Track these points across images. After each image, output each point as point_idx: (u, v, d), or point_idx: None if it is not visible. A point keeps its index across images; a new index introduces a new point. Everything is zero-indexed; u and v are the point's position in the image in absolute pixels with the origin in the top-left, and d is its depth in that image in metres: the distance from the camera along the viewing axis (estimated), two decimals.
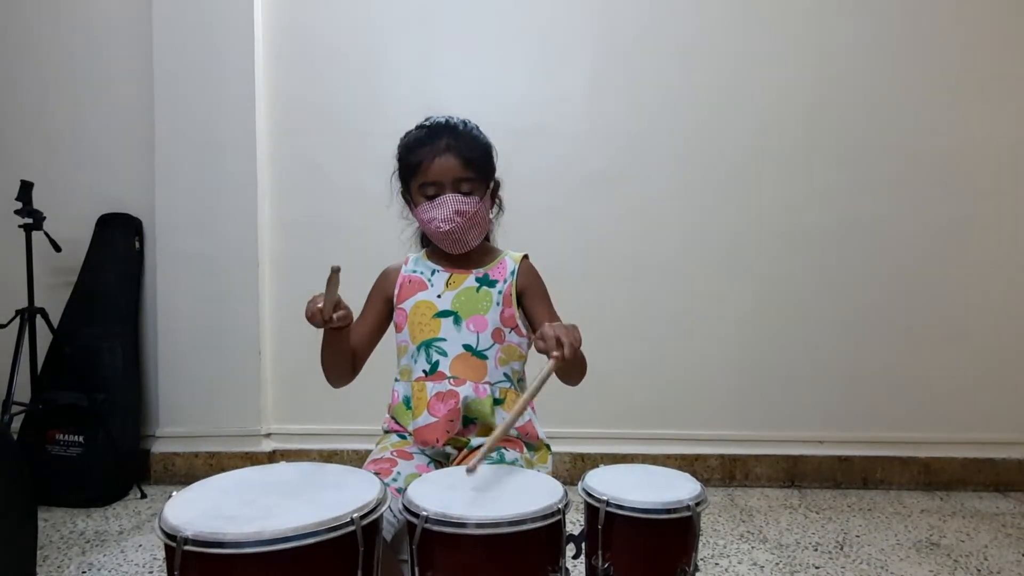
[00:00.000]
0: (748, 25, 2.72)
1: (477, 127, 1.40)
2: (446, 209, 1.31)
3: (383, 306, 1.43)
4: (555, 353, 1.08)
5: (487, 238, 1.46)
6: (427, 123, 1.38)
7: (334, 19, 2.76)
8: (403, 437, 1.37)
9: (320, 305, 1.14)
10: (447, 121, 1.37)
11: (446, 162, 1.31)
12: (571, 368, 1.28)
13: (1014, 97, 2.70)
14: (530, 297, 1.40)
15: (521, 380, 1.42)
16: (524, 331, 1.40)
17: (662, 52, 2.73)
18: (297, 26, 2.77)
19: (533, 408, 1.41)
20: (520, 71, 2.75)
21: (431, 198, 1.33)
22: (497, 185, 1.42)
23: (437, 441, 1.29)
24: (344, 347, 1.32)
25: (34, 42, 2.82)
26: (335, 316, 1.16)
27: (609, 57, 2.74)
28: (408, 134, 1.40)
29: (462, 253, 1.39)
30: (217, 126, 2.71)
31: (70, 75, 2.82)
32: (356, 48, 2.76)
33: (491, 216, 1.43)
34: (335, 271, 1.10)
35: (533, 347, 1.29)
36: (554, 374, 1.13)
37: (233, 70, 2.71)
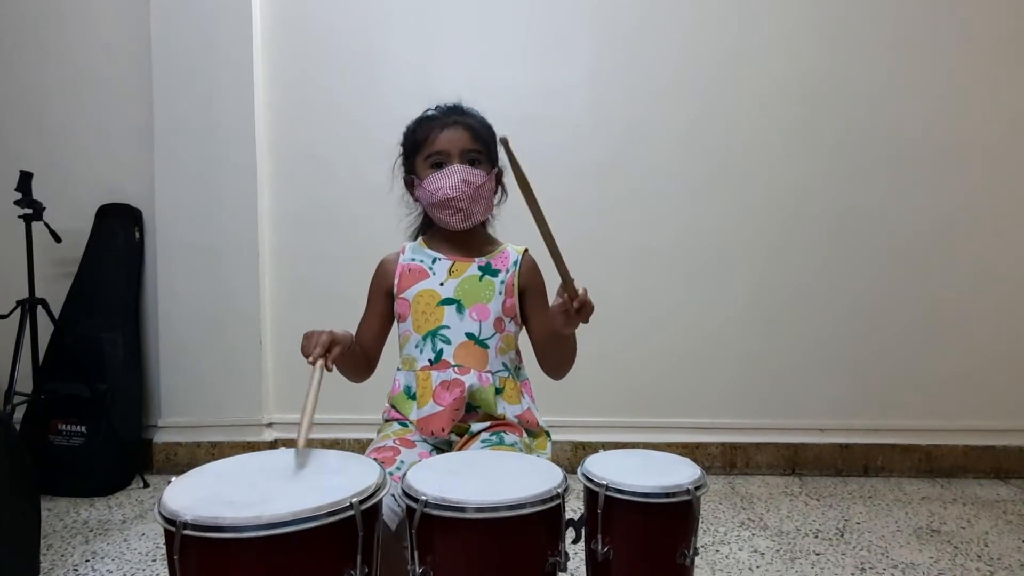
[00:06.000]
0: (748, 14, 2.70)
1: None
2: (454, 177, 1.32)
3: (385, 299, 1.42)
4: (578, 290, 1.12)
5: (484, 224, 1.46)
6: (433, 107, 1.42)
7: (333, 8, 2.74)
8: (404, 425, 1.36)
9: (314, 353, 1.15)
10: (456, 104, 1.41)
11: (455, 133, 1.34)
12: (566, 350, 1.33)
13: (1014, 86, 2.69)
14: (531, 295, 1.41)
15: (518, 368, 1.42)
16: (520, 321, 1.41)
17: (662, 41, 2.71)
18: (296, 15, 2.75)
19: (532, 397, 1.41)
20: (520, 60, 2.73)
21: (438, 168, 1.34)
22: (500, 172, 1.43)
23: (443, 430, 1.29)
24: (354, 359, 1.33)
25: (33, 32, 2.81)
26: (330, 362, 1.16)
27: (609, 46, 2.73)
28: (418, 117, 1.42)
29: (464, 241, 1.39)
30: (217, 116, 2.70)
31: (69, 65, 2.81)
32: (355, 37, 2.75)
33: (495, 201, 1.43)
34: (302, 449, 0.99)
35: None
36: (542, 362, 1.33)
37: (232, 59, 2.69)
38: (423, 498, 0.90)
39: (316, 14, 2.75)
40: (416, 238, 1.50)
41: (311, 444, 0.98)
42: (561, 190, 2.74)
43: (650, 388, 2.79)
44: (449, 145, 1.34)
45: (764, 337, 2.78)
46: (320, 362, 1.14)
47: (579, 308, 1.13)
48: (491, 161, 1.39)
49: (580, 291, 1.13)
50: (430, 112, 1.40)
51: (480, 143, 1.36)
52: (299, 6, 2.75)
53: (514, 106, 2.68)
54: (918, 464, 2.75)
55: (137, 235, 2.81)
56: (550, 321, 1.20)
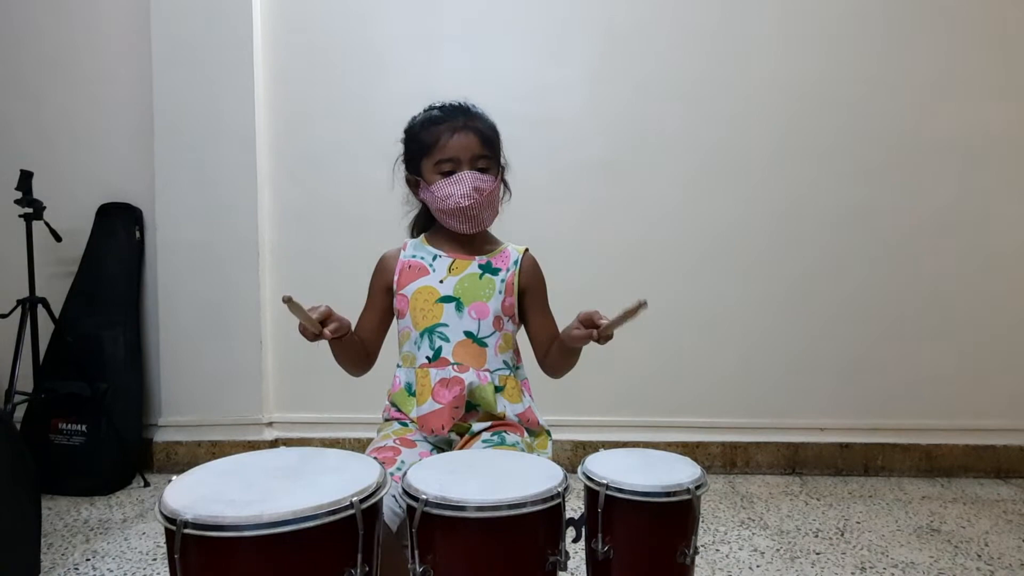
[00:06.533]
0: (749, 13, 2.69)
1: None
2: (464, 185, 1.31)
3: (385, 295, 1.42)
4: (603, 320, 1.17)
5: None
6: (438, 104, 1.39)
7: (334, 6, 2.74)
8: (404, 425, 1.36)
9: (311, 329, 1.16)
10: (460, 103, 1.38)
11: (465, 139, 1.32)
12: (573, 358, 1.35)
13: (1010, 85, 2.69)
14: (531, 296, 1.41)
15: (518, 367, 1.42)
16: (518, 320, 1.41)
17: (662, 39, 2.71)
18: (296, 14, 2.75)
19: (532, 396, 1.41)
20: (522, 59, 2.73)
21: (447, 175, 1.32)
22: (504, 169, 1.42)
23: (443, 428, 1.29)
24: (352, 350, 1.33)
25: (33, 31, 2.80)
26: (327, 330, 1.17)
27: (610, 45, 2.72)
28: (417, 117, 1.40)
29: (466, 239, 1.39)
30: (217, 115, 2.70)
31: (69, 64, 2.81)
32: (356, 36, 2.75)
33: (500, 199, 1.42)
34: (286, 301, 1.06)
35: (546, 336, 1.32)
36: (543, 362, 1.40)
37: (232, 58, 2.69)
38: (423, 497, 0.90)
39: (317, 13, 2.75)
40: (416, 234, 1.50)
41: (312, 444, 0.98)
42: (560, 188, 2.74)
43: (650, 387, 2.79)
44: (460, 152, 1.31)
45: (764, 336, 2.78)
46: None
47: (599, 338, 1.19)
48: (498, 163, 1.38)
49: (603, 329, 1.18)
50: (435, 112, 1.37)
51: (488, 147, 1.34)
52: (300, 5, 2.75)
53: (516, 105, 2.67)
54: (918, 463, 2.75)
55: (137, 234, 2.80)
56: (565, 338, 1.26)
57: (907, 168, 2.72)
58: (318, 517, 0.79)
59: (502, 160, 1.40)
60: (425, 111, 1.39)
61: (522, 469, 1.02)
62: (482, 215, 1.35)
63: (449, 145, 1.31)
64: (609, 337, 1.19)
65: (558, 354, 1.36)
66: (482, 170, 1.33)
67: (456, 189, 1.31)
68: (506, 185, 1.44)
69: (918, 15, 2.67)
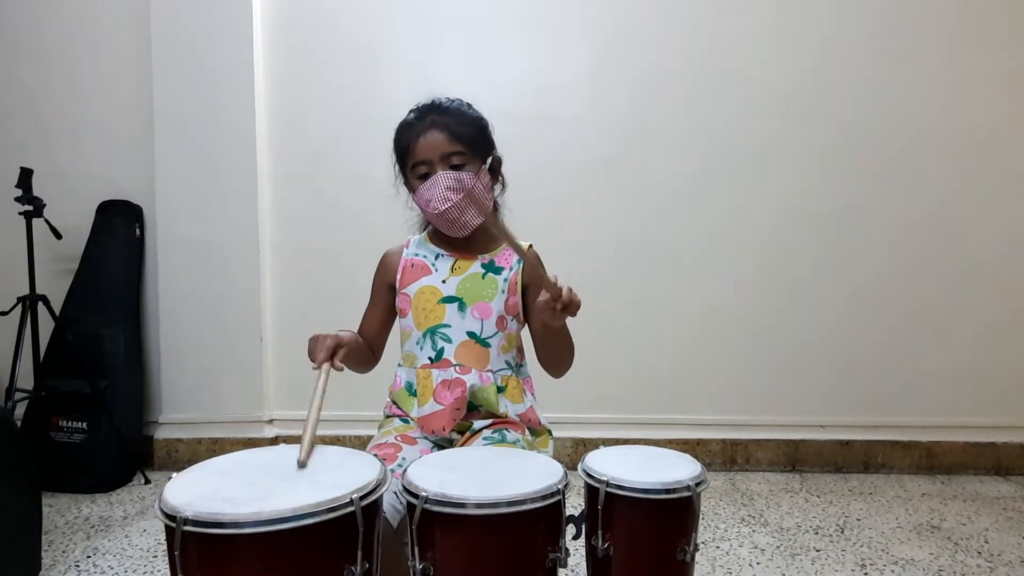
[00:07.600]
0: (748, 12, 2.69)
1: (468, 103, 1.37)
2: (437, 188, 1.28)
3: (388, 292, 1.42)
4: (559, 288, 1.09)
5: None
6: (415, 107, 1.36)
7: (334, 6, 2.74)
8: (406, 421, 1.36)
9: (319, 358, 1.19)
10: (433, 101, 1.35)
11: (432, 138, 1.29)
12: (559, 345, 1.29)
13: (1007, 82, 2.68)
14: (533, 293, 1.38)
15: (520, 366, 1.41)
16: (523, 319, 1.39)
17: (662, 37, 2.71)
18: (296, 13, 2.75)
19: (534, 394, 1.41)
20: (523, 57, 2.73)
21: (424, 178, 1.30)
22: (498, 161, 1.38)
23: (444, 429, 1.29)
24: (358, 352, 1.33)
25: (32, 28, 2.80)
26: (337, 361, 1.19)
27: (612, 43, 2.72)
28: (400, 122, 1.38)
29: (465, 237, 1.36)
30: (217, 113, 2.70)
31: (69, 62, 2.80)
32: (357, 33, 2.74)
33: (494, 195, 1.39)
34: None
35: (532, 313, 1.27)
36: (540, 358, 1.30)
37: (232, 56, 2.69)
38: (423, 494, 0.90)
39: (317, 10, 2.74)
40: (422, 230, 1.49)
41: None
42: (561, 186, 2.74)
43: (651, 384, 2.79)
44: (429, 153, 1.28)
45: (764, 333, 2.78)
46: (326, 365, 1.15)
47: (564, 306, 1.11)
48: (479, 156, 1.32)
49: (564, 291, 1.10)
50: (411, 115, 1.35)
51: (460, 142, 1.29)
52: (299, 5, 2.74)
53: (517, 103, 2.67)
54: (918, 461, 2.75)
55: (138, 231, 2.80)
56: (538, 315, 1.19)
57: (907, 167, 2.71)
58: (318, 514, 0.79)
59: (495, 152, 1.36)
60: (407, 114, 1.37)
61: (522, 466, 1.02)
62: (463, 217, 1.30)
63: (419, 148, 1.29)
64: (571, 304, 1.10)
65: (544, 336, 1.30)
66: (457, 167, 1.29)
67: (432, 193, 1.28)
68: (498, 177, 1.40)
69: (918, 14, 2.67)
